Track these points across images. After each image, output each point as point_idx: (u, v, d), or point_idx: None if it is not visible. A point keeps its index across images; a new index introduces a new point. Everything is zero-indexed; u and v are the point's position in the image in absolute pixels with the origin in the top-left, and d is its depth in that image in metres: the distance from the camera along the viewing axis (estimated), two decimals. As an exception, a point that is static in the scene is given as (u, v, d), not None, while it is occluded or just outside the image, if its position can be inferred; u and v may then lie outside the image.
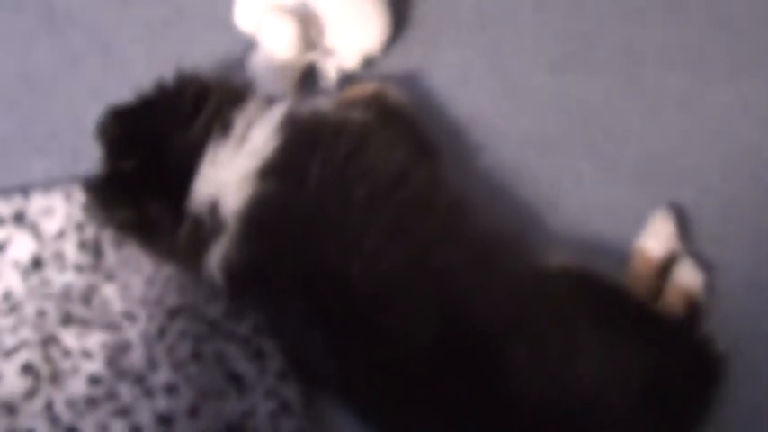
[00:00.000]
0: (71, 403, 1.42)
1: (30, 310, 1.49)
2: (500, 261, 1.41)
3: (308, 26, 1.63)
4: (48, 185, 1.60)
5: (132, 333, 1.46)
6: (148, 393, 1.41)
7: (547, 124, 1.70)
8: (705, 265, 1.55)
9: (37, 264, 1.53)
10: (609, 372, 1.35)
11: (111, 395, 1.42)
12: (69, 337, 1.47)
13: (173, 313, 1.47)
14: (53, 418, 1.41)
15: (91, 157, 1.60)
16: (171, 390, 1.41)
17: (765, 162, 1.67)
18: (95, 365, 1.45)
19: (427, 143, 1.56)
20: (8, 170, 1.64)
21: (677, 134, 1.69)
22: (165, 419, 1.39)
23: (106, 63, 1.73)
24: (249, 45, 1.69)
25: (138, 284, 1.51)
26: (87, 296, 1.51)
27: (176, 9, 1.77)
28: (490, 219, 1.48)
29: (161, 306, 1.48)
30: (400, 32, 1.75)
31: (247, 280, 1.43)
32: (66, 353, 1.46)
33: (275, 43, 1.62)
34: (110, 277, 1.52)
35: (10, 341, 1.47)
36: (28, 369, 1.45)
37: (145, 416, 1.40)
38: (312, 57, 1.67)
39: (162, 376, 1.42)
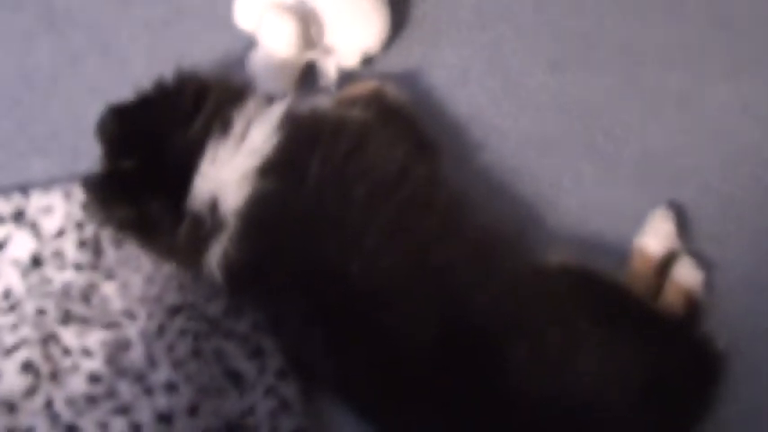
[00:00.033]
0: (71, 401, 1.42)
1: (29, 308, 1.49)
2: (500, 259, 1.41)
3: (308, 25, 1.64)
4: (47, 184, 1.60)
5: (132, 331, 1.46)
6: (148, 391, 1.41)
7: (546, 123, 1.70)
8: (705, 263, 1.55)
9: (36, 262, 1.53)
10: (609, 370, 1.35)
11: (111, 393, 1.42)
12: (69, 336, 1.47)
13: (172, 311, 1.47)
14: (53, 417, 1.41)
15: (90, 156, 1.60)
16: (171, 388, 1.41)
17: (765, 161, 1.67)
18: (95, 364, 1.45)
19: (427, 142, 1.56)
20: (8, 169, 1.64)
21: (677, 133, 1.70)
22: (164, 417, 1.39)
23: (106, 62, 1.73)
24: (249, 44, 1.70)
25: (137, 283, 1.51)
26: (87, 294, 1.51)
27: (176, 8, 1.77)
28: (490, 217, 1.48)
29: (161, 304, 1.48)
30: (400, 31, 1.75)
31: (247, 278, 1.43)
32: (66, 351, 1.46)
33: (275, 42, 1.62)
34: (109, 276, 1.52)
35: (10, 339, 1.47)
36: (28, 367, 1.45)
37: (145, 414, 1.40)
38: (312, 55, 1.67)
39: (162, 374, 1.42)
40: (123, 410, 1.41)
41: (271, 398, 1.43)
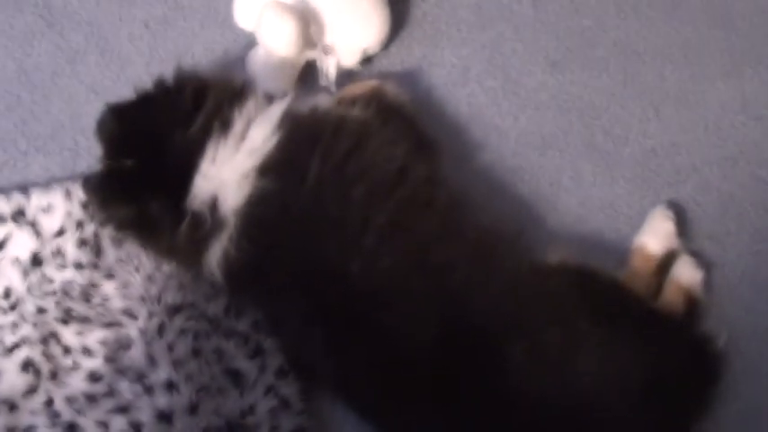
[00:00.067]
0: (71, 400, 1.42)
1: (30, 307, 1.49)
2: (499, 259, 1.42)
3: (308, 24, 1.63)
4: (47, 183, 1.61)
5: (132, 330, 1.46)
6: (148, 390, 1.41)
7: (546, 122, 1.70)
8: (704, 262, 1.55)
9: (37, 261, 1.53)
10: (608, 369, 1.35)
11: (111, 392, 1.42)
12: (69, 335, 1.47)
13: (173, 311, 1.47)
14: (53, 415, 1.41)
15: (90, 156, 1.61)
16: (171, 387, 1.41)
17: (764, 160, 1.67)
18: (95, 363, 1.45)
19: (427, 141, 1.56)
20: (8, 168, 1.64)
21: (676, 132, 1.70)
22: (164, 416, 1.39)
23: (105, 61, 1.73)
24: (249, 43, 1.70)
25: (137, 282, 1.51)
26: (87, 294, 1.51)
27: (176, 7, 1.77)
28: (490, 216, 1.48)
29: (161, 303, 1.48)
30: (400, 31, 1.75)
31: (247, 277, 1.43)
32: (67, 350, 1.46)
33: (275, 41, 1.62)
34: (110, 275, 1.52)
35: (10, 338, 1.47)
36: (28, 366, 1.45)
37: (145, 413, 1.40)
38: (311, 54, 1.67)
39: (162, 373, 1.42)
40: (123, 409, 1.41)
41: (271, 397, 1.44)
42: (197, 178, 1.41)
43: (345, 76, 1.69)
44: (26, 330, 1.48)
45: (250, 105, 1.47)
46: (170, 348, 1.44)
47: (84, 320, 1.49)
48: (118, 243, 1.54)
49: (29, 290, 1.51)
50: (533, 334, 1.35)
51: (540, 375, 1.33)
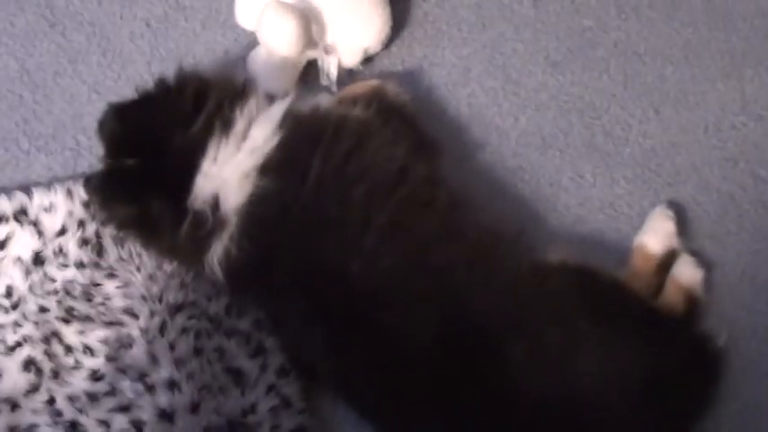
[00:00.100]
0: (73, 399, 1.42)
1: (32, 306, 1.50)
2: (500, 259, 1.42)
3: (309, 24, 1.63)
4: (49, 183, 1.61)
5: (134, 329, 1.47)
6: (150, 389, 1.41)
7: (546, 122, 1.70)
8: (704, 262, 1.55)
9: (39, 260, 1.53)
10: (608, 368, 1.35)
11: (113, 391, 1.42)
12: (71, 334, 1.48)
13: (174, 310, 1.47)
14: (55, 414, 1.42)
15: (92, 155, 1.62)
16: (172, 386, 1.41)
17: (764, 160, 1.67)
18: (97, 361, 1.45)
19: (427, 141, 1.57)
20: (10, 167, 1.65)
21: (676, 132, 1.70)
22: (166, 415, 1.40)
23: (107, 61, 1.73)
24: (250, 42, 1.70)
25: (139, 281, 1.51)
26: (89, 293, 1.51)
27: (177, 7, 1.77)
28: (490, 216, 1.48)
29: (162, 302, 1.48)
30: (401, 30, 1.75)
31: (248, 277, 1.43)
32: (68, 349, 1.47)
33: (276, 40, 1.62)
34: (111, 274, 1.53)
35: (12, 337, 1.47)
36: (30, 365, 1.45)
37: (146, 411, 1.40)
38: (313, 54, 1.67)
39: (163, 372, 1.42)
40: (125, 408, 1.41)
41: (272, 396, 1.44)
42: (198, 178, 1.42)
43: (346, 75, 1.69)
44: (28, 329, 1.48)
45: (251, 105, 1.47)
46: (171, 347, 1.44)
47: (86, 319, 1.49)
48: (119, 242, 1.54)
49: (30, 289, 1.51)
50: (533, 334, 1.35)
51: (540, 375, 1.33)
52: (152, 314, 1.47)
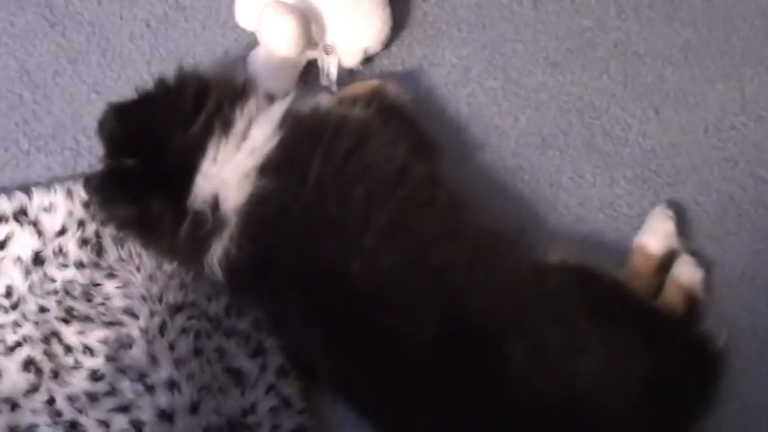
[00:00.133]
0: (72, 399, 1.42)
1: (31, 306, 1.50)
2: (500, 259, 1.42)
3: (309, 24, 1.64)
4: (49, 183, 1.61)
5: (133, 329, 1.47)
6: (149, 389, 1.41)
7: (546, 122, 1.70)
8: (704, 262, 1.56)
9: (38, 260, 1.53)
10: (608, 368, 1.35)
11: (113, 391, 1.42)
12: (71, 334, 1.48)
13: (174, 310, 1.47)
14: (55, 414, 1.42)
15: (92, 155, 1.62)
16: (172, 386, 1.41)
17: (764, 160, 1.68)
18: (97, 361, 1.45)
19: (427, 141, 1.57)
20: (10, 167, 1.65)
21: (676, 132, 1.70)
22: (166, 415, 1.39)
23: (107, 61, 1.73)
24: (250, 42, 1.70)
25: (138, 281, 1.51)
26: (88, 293, 1.51)
27: (177, 7, 1.77)
28: (490, 216, 1.48)
29: (162, 303, 1.48)
30: (401, 31, 1.75)
31: (248, 277, 1.43)
32: (68, 349, 1.47)
33: (276, 40, 1.62)
34: (111, 274, 1.53)
35: (12, 337, 1.47)
36: (30, 365, 1.45)
37: (146, 412, 1.40)
38: (313, 54, 1.67)
39: (163, 372, 1.42)
40: (125, 408, 1.41)
41: (272, 396, 1.44)
42: (198, 178, 1.41)
43: (346, 75, 1.69)
44: (28, 329, 1.48)
45: (251, 105, 1.47)
46: (171, 347, 1.44)
47: (86, 319, 1.49)
48: (119, 242, 1.54)
49: (30, 289, 1.51)
50: (533, 334, 1.35)
51: (540, 375, 1.33)
52: (152, 314, 1.47)
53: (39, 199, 1.57)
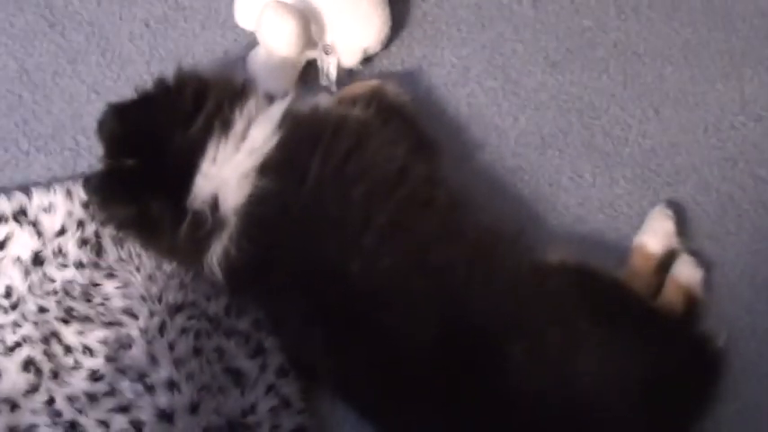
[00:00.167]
0: (72, 399, 1.42)
1: (31, 306, 1.50)
2: (500, 259, 1.42)
3: (308, 24, 1.64)
4: (49, 183, 1.61)
5: (133, 329, 1.47)
6: (149, 389, 1.41)
7: (546, 122, 1.70)
8: (704, 262, 1.56)
9: (38, 260, 1.53)
10: (608, 368, 1.35)
11: (112, 391, 1.42)
12: (70, 334, 1.47)
13: (173, 310, 1.47)
14: (54, 414, 1.42)
15: (91, 155, 1.62)
16: (172, 386, 1.41)
17: (764, 160, 1.68)
18: (96, 362, 1.45)
19: (427, 141, 1.57)
20: (9, 167, 1.65)
21: (676, 132, 1.70)
22: (165, 415, 1.39)
23: (106, 61, 1.73)
24: (249, 42, 1.70)
25: (138, 281, 1.51)
26: (88, 293, 1.51)
27: (176, 7, 1.77)
28: (489, 216, 1.48)
29: (162, 303, 1.48)
30: (400, 30, 1.75)
31: (247, 277, 1.43)
32: (68, 349, 1.46)
33: (275, 41, 1.62)
34: (110, 274, 1.53)
35: (11, 337, 1.47)
36: (29, 365, 1.45)
37: (146, 412, 1.40)
38: (312, 54, 1.67)
39: (163, 373, 1.42)
40: (124, 408, 1.41)
41: (272, 396, 1.44)
42: (198, 178, 1.41)
43: (346, 75, 1.69)
44: (27, 330, 1.48)
45: (251, 105, 1.47)
46: (171, 347, 1.44)
47: (85, 320, 1.49)
48: (119, 242, 1.54)
49: (30, 289, 1.51)
50: (533, 334, 1.35)
51: (540, 375, 1.33)
52: (151, 314, 1.47)
53: (38, 199, 1.57)
